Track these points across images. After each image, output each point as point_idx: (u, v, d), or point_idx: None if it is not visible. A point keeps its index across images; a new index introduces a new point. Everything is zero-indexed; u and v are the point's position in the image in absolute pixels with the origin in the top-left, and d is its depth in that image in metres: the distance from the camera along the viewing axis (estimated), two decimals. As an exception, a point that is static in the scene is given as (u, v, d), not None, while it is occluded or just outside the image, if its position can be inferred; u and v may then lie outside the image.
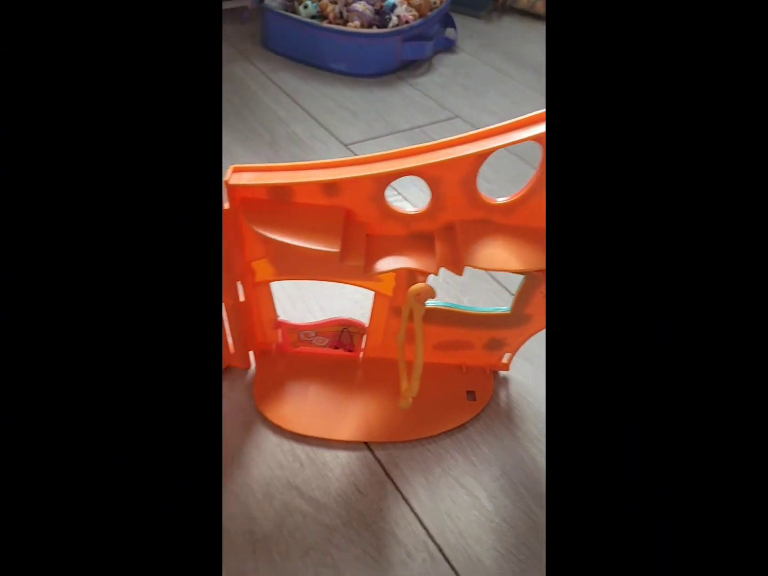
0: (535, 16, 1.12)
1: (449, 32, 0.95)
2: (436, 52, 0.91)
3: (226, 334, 0.39)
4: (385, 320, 0.39)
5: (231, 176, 0.29)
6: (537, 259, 0.30)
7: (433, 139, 0.59)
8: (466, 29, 1.02)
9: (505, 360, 0.44)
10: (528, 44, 1.00)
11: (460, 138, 0.29)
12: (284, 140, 0.66)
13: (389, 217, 0.31)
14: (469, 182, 0.30)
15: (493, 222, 0.32)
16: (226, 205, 0.30)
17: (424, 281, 0.32)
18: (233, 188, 0.29)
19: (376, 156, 0.30)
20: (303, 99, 0.75)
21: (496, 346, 0.42)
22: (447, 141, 0.29)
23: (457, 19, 1.00)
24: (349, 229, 0.31)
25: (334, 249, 0.29)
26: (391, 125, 0.72)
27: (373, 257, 0.31)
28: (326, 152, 0.65)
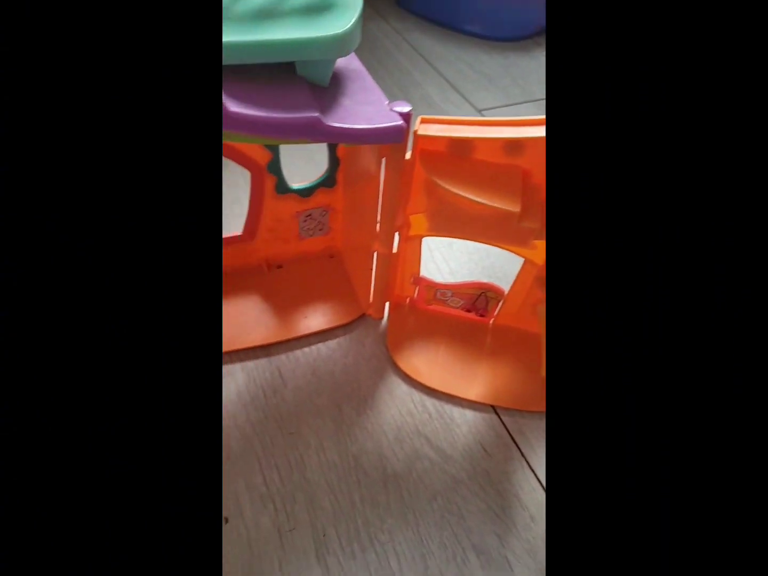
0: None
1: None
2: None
3: (370, 283, 0.41)
4: (527, 289, 0.39)
5: (419, 126, 0.30)
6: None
7: None
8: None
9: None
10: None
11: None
12: (418, 102, 0.66)
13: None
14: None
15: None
16: (407, 155, 0.31)
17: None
18: (418, 138, 0.30)
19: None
20: (437, 61, 0.74)
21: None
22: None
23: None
24: (526, 190, 0.30)
25: (515, 209, 0.28)
26: (526, 93, 0.69)
27: (545, 221, 0.30)
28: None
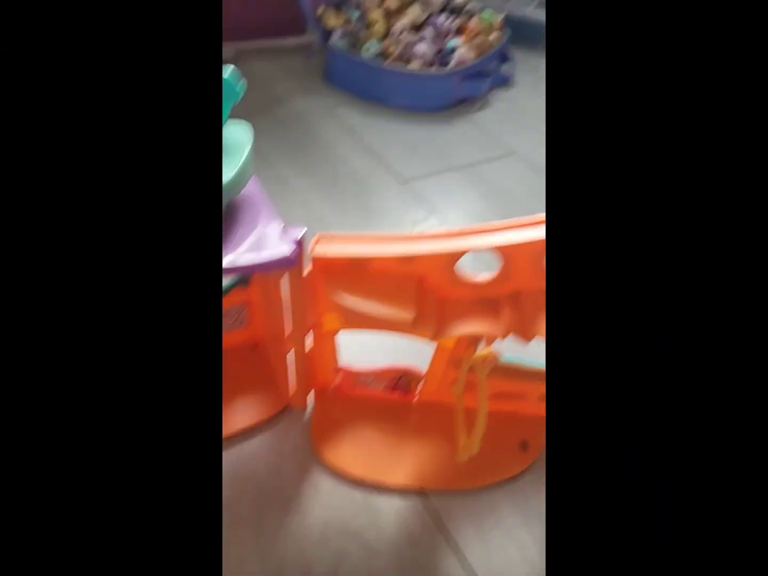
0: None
1: (506, 68, 0.96)
2: (493, 87, 0.92)
3: (288, 377, 0.42)
4: (443, 370, 0.41)
5: (316, 246, 0.31)
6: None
7: (490, 177, 0.57)
8: (524, 63, 1.02)
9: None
10: (587, 78, 1.00)
11: (533, 219, 0.30)
12: (345, 176, 0.69)
13: (459, 283, 0.33)
14: (539, 258, 0.31)
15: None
16: (307, 270, 0.32)
17: (490, 344, 0.33)
18: (317, 259, 0.31)
19: (451, 232, 0.31)
20: (364, 134, 0.77)
21: (551, 402, 0.42)
22: (520, 221, 0.30)
23: (515, 53, 1.01)
24: (422, 294, 0.32)
25: (408, 316, 0.30)
26: (448, 161, 0.74)
27: (443, 320, 0.32)
28: (386, 189, 0.68)
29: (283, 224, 0.30)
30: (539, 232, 0.30)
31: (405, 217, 0.64)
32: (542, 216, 0.30)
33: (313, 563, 0.36)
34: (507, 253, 0.31)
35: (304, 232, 0.30)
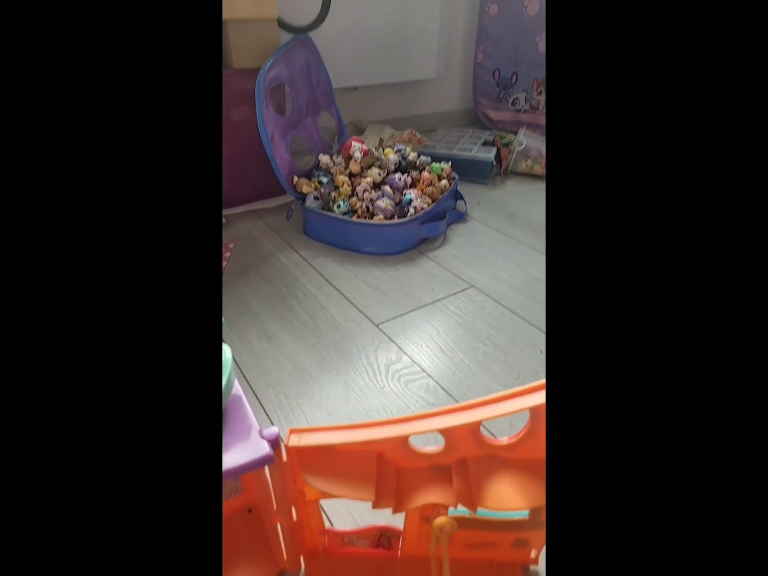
0: (534, 177, 1.29)
1: (459, 205, 1.11)
2: (451, 223, 1.06)
3: (280, 544, 0.45)
4: (417, 526, 0.45)
5: (290, 438, 0.38)
6: (539, 495, 0.36)
7: (453, 311, 0.63)
8: (474, 197, 1.18)
9: (533, 555, 0.47)
10: (530, 205, 1.15)
11: (468, 404, 0.37)
12: (325, 325, 0.78)
13: (413, 455, 0.39)
14: (475, 432, 0.37)
15: (499, 457, 0.38)
16: (284, 458, 0.38)
17: (445, 511, 0.38)
18: (290, 448, 0.37)
19: (403, 418, 0.38)
20: (339, 282, 0.88)
21: (521, 544, 0.45)
22: (459, 406, 0.37)
23: (466, 186, 1.17)
24: (382, 469, 0.38)
25: (370, 498, 0.36)
26: (415, 301, 0.83)
27: (401, 492, 0.38)
28: (360, 334, 0.76)
29: (259, 428, 0.37)
30: (474, 414, 0.36)
31: (380, 360, 0.71)
32: (478, 400, 0.37)
33: None
34: (448, 432, 0.37)
35: (277, 431, 0.36)
